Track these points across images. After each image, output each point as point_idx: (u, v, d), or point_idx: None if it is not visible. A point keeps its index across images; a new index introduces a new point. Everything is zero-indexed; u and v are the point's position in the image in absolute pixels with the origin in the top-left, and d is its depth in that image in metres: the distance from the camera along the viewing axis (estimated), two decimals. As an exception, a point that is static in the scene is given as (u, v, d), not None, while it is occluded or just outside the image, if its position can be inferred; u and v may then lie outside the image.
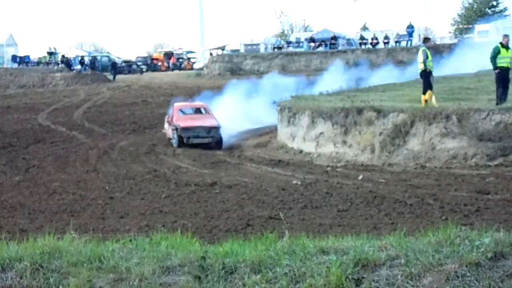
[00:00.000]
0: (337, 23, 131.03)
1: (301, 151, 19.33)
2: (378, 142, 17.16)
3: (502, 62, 16.62)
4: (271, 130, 23.10)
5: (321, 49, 51.97)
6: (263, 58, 51.33)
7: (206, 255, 5.33)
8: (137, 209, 12.72)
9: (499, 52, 16.63)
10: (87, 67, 52.33)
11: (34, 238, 5.83)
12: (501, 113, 15.54)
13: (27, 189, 15.17)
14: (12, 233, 8.16)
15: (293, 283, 4.94)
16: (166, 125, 23.54)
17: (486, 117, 15.63)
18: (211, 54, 58.93)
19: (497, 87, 16.84)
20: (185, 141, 21.15)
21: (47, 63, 55.39)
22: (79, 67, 52.06)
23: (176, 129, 21.48)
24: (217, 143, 21.36)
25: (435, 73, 18.25)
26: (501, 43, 16.86)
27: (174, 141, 21.54)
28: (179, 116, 22.49)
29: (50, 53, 57.38)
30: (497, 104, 16.42)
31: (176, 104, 23.67)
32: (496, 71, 16.70)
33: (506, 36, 17.20)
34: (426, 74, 17.76)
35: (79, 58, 54.82)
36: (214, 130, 21.48)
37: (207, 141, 21.34)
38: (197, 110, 23.52)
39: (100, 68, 54.22)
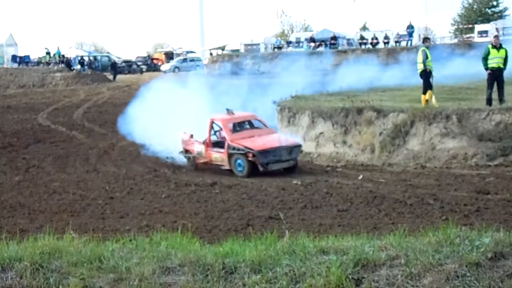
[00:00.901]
0: (337, 23, 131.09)
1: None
2: (378, 142, 17.17)
3: (492, 62, 16.69)
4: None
5: (321, 49, 51.94)
6: (263, 58, 51.29)
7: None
8: (137, 209, 12.72)
9: (489, 53, 16.73)
10: (87, 67, 52.31)
11: (34, 238, 5.83)
12: (501, 113, 15.56)
13: (27, 189, 15.17)
14: (12, 233, 8.13)
15: (293, 283, 4.94)
16: (196, 147, 17.48)
17: (486, 117, 15.65)
18: (211, 54, 58.91)
19: (487, 88, 16.88)
20: (261, 169, 15.85)
21: (47, 63, 55.35)
22: (79, 67, 52.04)
23: (245, 153, 15.97)
24: (294, 167, 16.45)
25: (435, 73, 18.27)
26: (491, 43, 16.96)
27: (240, 169, 16.09)
28: (236, 135, 16.69)
29: (48, 54, 57.35)
30: (487, 104, 16.47)
31: (219, 117, 17.33)
32: (488, 71, 16.77)
33: (495, 36, 17.43)
34: (426, 74, 17.83)
35: (79, 58, 54.79)
36: (295, 150, 16.59)
37: (287, 165, 16.24)
38: (252, 124, 17.42)
39: (100, 68, 54.21)
